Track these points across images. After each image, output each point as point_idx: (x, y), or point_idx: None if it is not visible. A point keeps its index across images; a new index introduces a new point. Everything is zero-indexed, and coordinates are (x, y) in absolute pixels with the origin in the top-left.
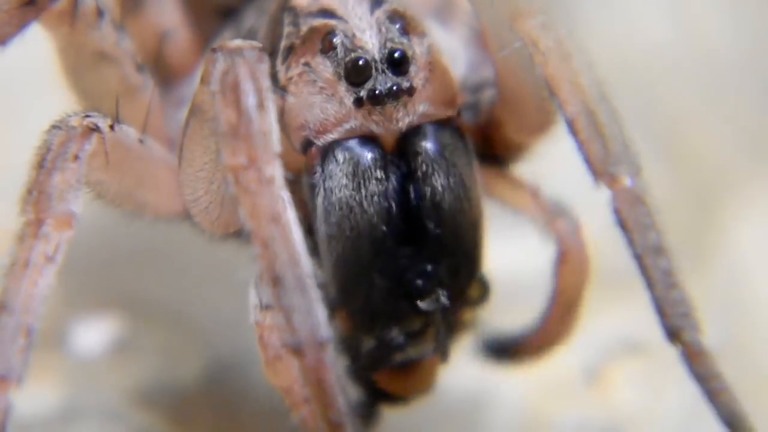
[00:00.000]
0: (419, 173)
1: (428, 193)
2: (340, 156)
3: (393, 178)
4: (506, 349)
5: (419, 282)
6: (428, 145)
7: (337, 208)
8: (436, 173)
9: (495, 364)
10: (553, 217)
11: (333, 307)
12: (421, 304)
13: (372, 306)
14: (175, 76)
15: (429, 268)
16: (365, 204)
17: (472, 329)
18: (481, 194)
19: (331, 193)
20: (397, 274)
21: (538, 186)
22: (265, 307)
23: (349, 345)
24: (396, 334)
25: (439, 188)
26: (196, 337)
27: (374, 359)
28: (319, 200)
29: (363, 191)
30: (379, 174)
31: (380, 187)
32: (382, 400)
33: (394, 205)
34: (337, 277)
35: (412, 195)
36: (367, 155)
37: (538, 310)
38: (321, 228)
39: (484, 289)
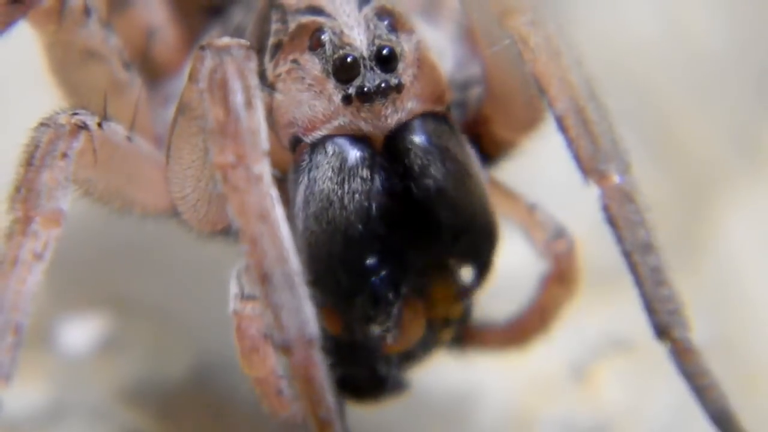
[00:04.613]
0: (415, 168)
1: (430, 185)
2: (327, 149)
3: (378, 178)
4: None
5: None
6: (419, 138)
7: (317, 199)
8: (432, 164)
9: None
10: (552, 238)
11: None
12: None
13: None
14: (162, 73)
15: (432, 259)
16: (346, 200)
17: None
18: (484, 177)
19: (314, 183)
20: (390, 271)
21: (534, 204)
22: (245, 297)
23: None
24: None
25: (440, 177)
26: (183, 335)
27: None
28: (301, 188)
29: (345, 187)
30: (365, 173)
31: (364, 185)
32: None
33: (374, 204)
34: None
35: (414, 190)
36: (354, 153)
37: (511, 309)
38: (298, 215)
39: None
